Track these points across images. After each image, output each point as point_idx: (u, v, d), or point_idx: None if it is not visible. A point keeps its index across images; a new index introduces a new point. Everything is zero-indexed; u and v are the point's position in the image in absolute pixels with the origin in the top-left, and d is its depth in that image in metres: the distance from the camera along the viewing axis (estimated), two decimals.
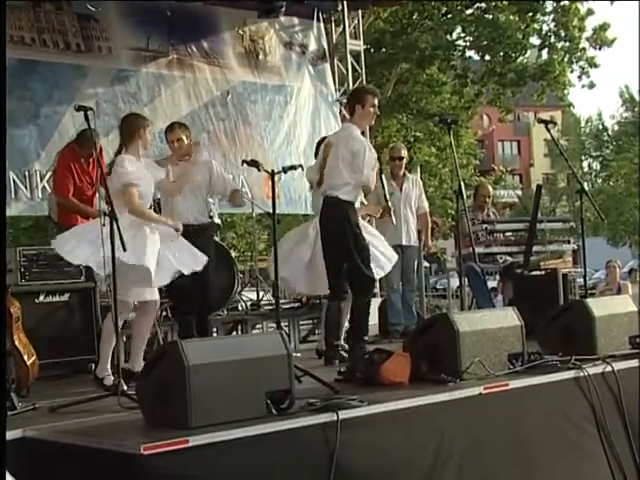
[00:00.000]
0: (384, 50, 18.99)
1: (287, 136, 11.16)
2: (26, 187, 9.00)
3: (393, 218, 7.32)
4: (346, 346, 6.67)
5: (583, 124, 43.77)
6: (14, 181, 8.85)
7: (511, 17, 18.30)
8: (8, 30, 8.68)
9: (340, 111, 11.97)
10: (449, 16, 18.86)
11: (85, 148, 7.33)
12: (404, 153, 8.64)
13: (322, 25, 11.87)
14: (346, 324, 6.81)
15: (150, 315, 6.11)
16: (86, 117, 5.46)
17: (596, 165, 42.57)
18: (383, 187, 7.27)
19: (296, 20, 11.52)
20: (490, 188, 9.83)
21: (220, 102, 10.67)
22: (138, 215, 5.89)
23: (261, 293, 9.32)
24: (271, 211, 6.25)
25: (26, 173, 9.01)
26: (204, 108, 10.40)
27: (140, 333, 6.08)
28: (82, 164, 7.55)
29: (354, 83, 12.01)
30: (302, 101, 11.47)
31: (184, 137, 6.81)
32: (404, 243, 8.30)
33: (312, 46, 11.67)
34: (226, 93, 10.77)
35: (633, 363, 5.77)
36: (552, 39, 19.01)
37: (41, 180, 9.05)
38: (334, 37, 12.10)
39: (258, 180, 10.28)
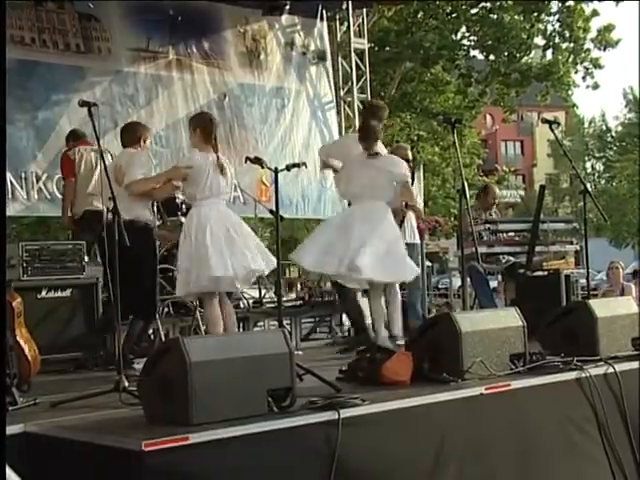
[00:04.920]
0: (388, 49, 18.99)
1: (282, 139, 11.14)
2: (22, 188, 9.04)
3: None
4: None
5: (587, 125, 43.76)
6: (11, 182, 8.88)
7: (516, 17, 18.27)
8: (9, 30, 8.67)
9: (344, 109, 11.95)
10: (454, 15, 18.85)
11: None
12: (410, 155, 8.53)
13: (325, 25, 11.85)
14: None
15: None
16: (90, 113, 5.45)
17: (599, 166, 42.54)
18: None
19: (298, 20, 11.49)
20: (497, 190, 9.80)
21: (217, 105, 10.65)
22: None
23: (263, 291, 9.32)
24: (269, 212, 6.25)
25: (22, 174, 9.07)
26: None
27: None
28: None
29: (358, 82, 12.00)
30: (300, 104, 11.44)
31: None
32: (407, 241, 8.27)
33: (313, 47, 11.63)
34: (223, 96, 10.73)
35: (635, 365, 5.76)
36: (557, 39, 18.97)
37: (37, 181, 9.10)
38: (338, 35, 12.09)
39: (250, 184, 10.25)
